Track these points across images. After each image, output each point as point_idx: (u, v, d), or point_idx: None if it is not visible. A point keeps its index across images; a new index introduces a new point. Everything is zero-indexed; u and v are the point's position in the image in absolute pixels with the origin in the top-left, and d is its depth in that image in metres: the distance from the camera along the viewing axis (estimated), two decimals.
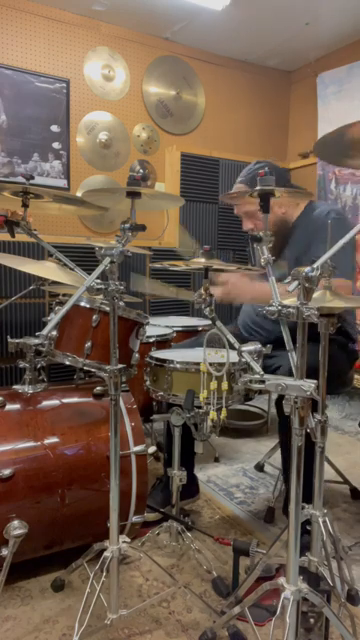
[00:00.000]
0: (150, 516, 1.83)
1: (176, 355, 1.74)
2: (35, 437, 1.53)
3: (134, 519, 1.64)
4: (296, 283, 1.03)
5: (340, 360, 1.87)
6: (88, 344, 1.57)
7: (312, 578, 1.28)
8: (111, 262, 1.22)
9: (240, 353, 1.26)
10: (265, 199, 1.22)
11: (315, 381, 1.06)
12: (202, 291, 1.41)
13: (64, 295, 2.37)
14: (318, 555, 1.33)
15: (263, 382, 1.17)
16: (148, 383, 1.74)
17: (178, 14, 3.33)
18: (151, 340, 2.26)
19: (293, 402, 1.05)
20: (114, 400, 1.28)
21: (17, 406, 1.62)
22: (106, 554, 1.30)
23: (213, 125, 3.97)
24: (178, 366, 1.62)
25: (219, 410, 1.46)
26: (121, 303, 1.29)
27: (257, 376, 1.20)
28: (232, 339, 1.41)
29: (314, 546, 1.35)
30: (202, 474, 2.38)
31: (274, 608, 1.15)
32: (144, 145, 3.69)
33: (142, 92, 3.66)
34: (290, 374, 1.13)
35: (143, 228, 1.26)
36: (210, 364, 1.46)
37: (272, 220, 1.93)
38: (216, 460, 2.59)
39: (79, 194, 2.90)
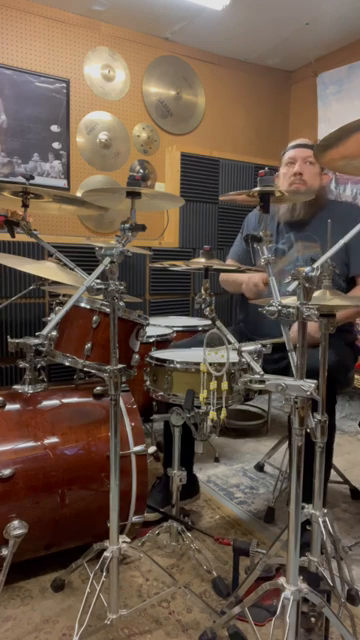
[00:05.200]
0: (150, 516, 1.83)
1: (176, 355, 1.74)
2: (35, 437, 1.53)
3: (134, 519, 1.64)
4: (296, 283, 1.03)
5: (347, 357, 1.88)
6: (88, 345, 1.57)
7: (312, 578, 1.28)
8: (111, 262, 1.22)
9: (240, 353, 1.26)
10: (265, 199, 1.22)
11: (315, 381, 1.06)
12: (202, 291, 1.41)
13: (64, 295, 2.37)
14: (318, 555, 1.33)
15: (263, 382, 1.17)
16: (148, 383, 1.74)
17: (178, 14, 3.33)
18: (151, 340, 2.26)
19: (293, 402, 1.05)
20: (114, 400, 1.28)
21: (17, 406, 1.62)
22: (106, 554, 1.30)
23: (213, 125, 3.97)
24: (178, 366, 1.61)
25: (219, 410, 1.46)
26: (121, 303, 1.29)
27: (257, 376, 1.20)
28: (232, 339, 1.41)
29: (314, 546, 1.35)
30: (202, 474, 2.37)
31: (274, 608, 1.15)
32: (144, 145, 3.69)
33: (142, 92, 3.66)
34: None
35: (143, 228, 1.26)
36: (210, 364, 1.46)
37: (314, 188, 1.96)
38: (216, 460, 2.59)
39: (79, 194, 2.90)
